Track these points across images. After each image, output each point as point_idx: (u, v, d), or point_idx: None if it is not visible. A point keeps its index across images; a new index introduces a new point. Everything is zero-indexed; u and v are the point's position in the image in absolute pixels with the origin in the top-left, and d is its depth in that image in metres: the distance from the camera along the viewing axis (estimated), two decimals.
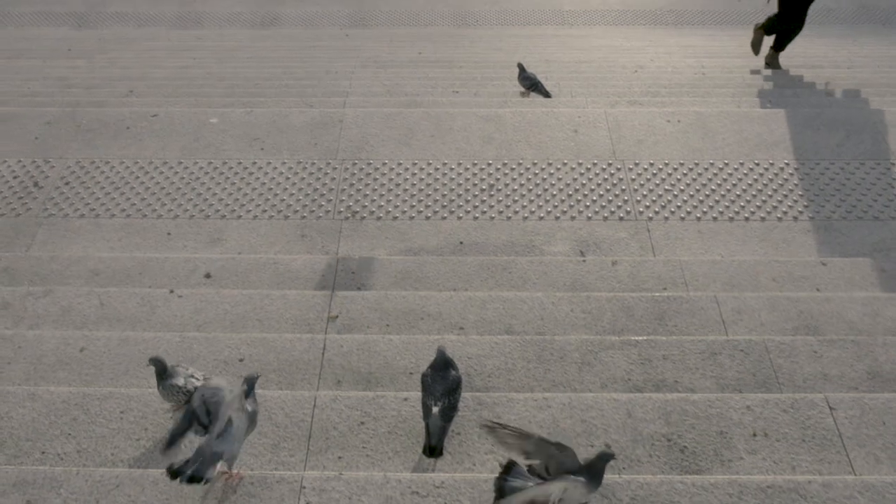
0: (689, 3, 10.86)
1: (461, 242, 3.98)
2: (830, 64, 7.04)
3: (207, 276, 3.61)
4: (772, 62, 6.46)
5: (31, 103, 5.31)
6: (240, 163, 4.50)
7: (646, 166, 4.47)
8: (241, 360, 2.81)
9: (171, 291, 3.34)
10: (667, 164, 4.49)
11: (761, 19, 6.51)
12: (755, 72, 6.46)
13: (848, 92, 5.88)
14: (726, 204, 4.26)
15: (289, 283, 3.55)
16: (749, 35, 6.58)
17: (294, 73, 6.48)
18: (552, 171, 4.41)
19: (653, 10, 10.63)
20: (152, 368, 2.42)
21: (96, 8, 10.96)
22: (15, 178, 4.45)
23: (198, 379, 2.41)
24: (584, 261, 3.69)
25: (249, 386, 2.16)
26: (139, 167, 4.50)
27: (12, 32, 10.33)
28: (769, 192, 4.33)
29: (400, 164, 4.45)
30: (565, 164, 4.47)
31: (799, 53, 6.99)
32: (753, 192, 4.33)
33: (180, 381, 2.37)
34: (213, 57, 7.57)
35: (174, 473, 2.00)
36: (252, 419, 2.16)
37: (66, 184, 4.40)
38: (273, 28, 10.40)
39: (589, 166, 4.46)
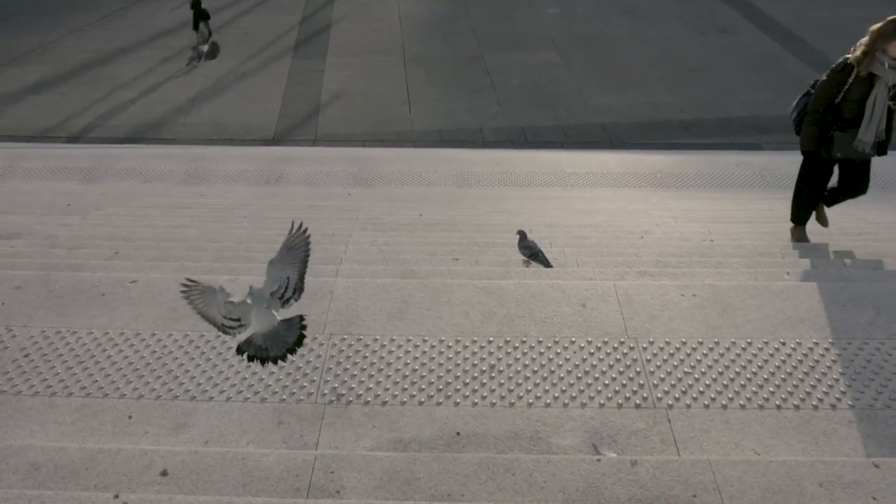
0: (688, 166, 10.98)
1: (458, 433, 3.51)
2: (840, 232, 6.85)
3: (164, 473, 3.11)
4: (800, 236, 6.24)
5: (6, 265, 5.03)
6: (218, 336, 4.12)
7: (661, 345, 4.09)
8: None
9: (116, 496, 2.85)
10: (684, 343, 4.10)
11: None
12: (765, 240, 6.26)
13: (866, 263, 5.62)
14: (754, 389, 3.82)
15: (257, 485, 3.05)
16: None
17: None
18: (559, 351, 4.02)
19: (652, 173, 10.72)
20: None
21: (105, 163, 11.08)
22: None
23: None
24: (598, 460, 3.21)
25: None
26: (108, 338, 4.12)
27: (18, 186, 10.36)
28: (800, 376, 3.90)
29: (392, 340, 4.07)
30: (573, 342, 4.09)
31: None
32: (783, 376, 3.91)
33: None
34: (209, 215, 7.46)
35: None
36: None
37: (26, 356, 4.01)
38: (277, 186, 10.44)
39: (599, 345, 4.07)
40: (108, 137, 12.72)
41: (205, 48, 11.49)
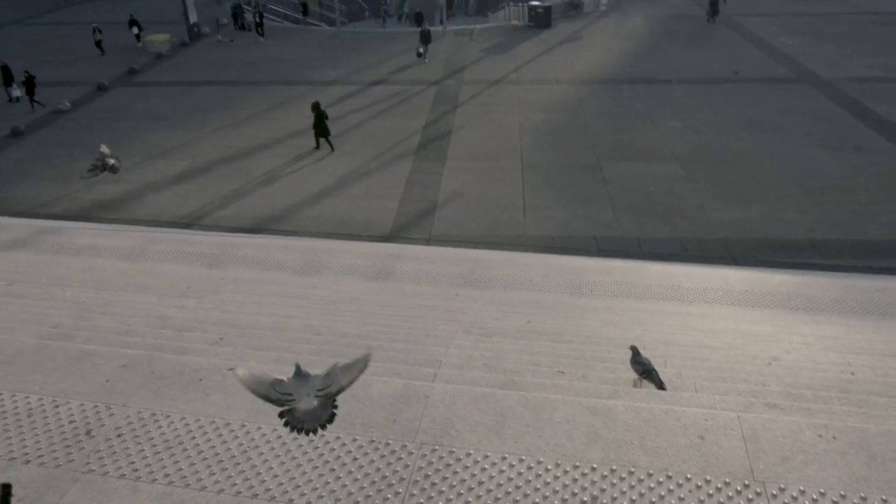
0: (820, 289, 10.15)
1: None
2: None
3: None
4: None
5: (118, 342, 5.18)
6: (307, 434, 3.96)
7: (795, 494, 3.53)
8: None
9: None
10: (822, 495, 3.52)
11: None
12: None
13: None
14: None
15: None
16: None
17: (392, 332, 6.17)
18: (671, 487, 3.55)
19: (780, 293, 9.96)
20: None
21: (228, 250, 11.64)
22: (71, 422, 4.11)
23: None
24: None
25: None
26: (199, 426, 4.06)
27: (147, 267, 11.02)
28: None
29: (486, 456, 3.75)
30: (689, 479, 3.61)
31: None
32: None
33: None
34: (318, 308, 7.52)
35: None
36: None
37: (119, 436, 4.00)
38: (386, 282, 10.52)
39: (719, 486, 3.57)
40: (235, 227, 13.47)
41: (112, 161, 13.51)
